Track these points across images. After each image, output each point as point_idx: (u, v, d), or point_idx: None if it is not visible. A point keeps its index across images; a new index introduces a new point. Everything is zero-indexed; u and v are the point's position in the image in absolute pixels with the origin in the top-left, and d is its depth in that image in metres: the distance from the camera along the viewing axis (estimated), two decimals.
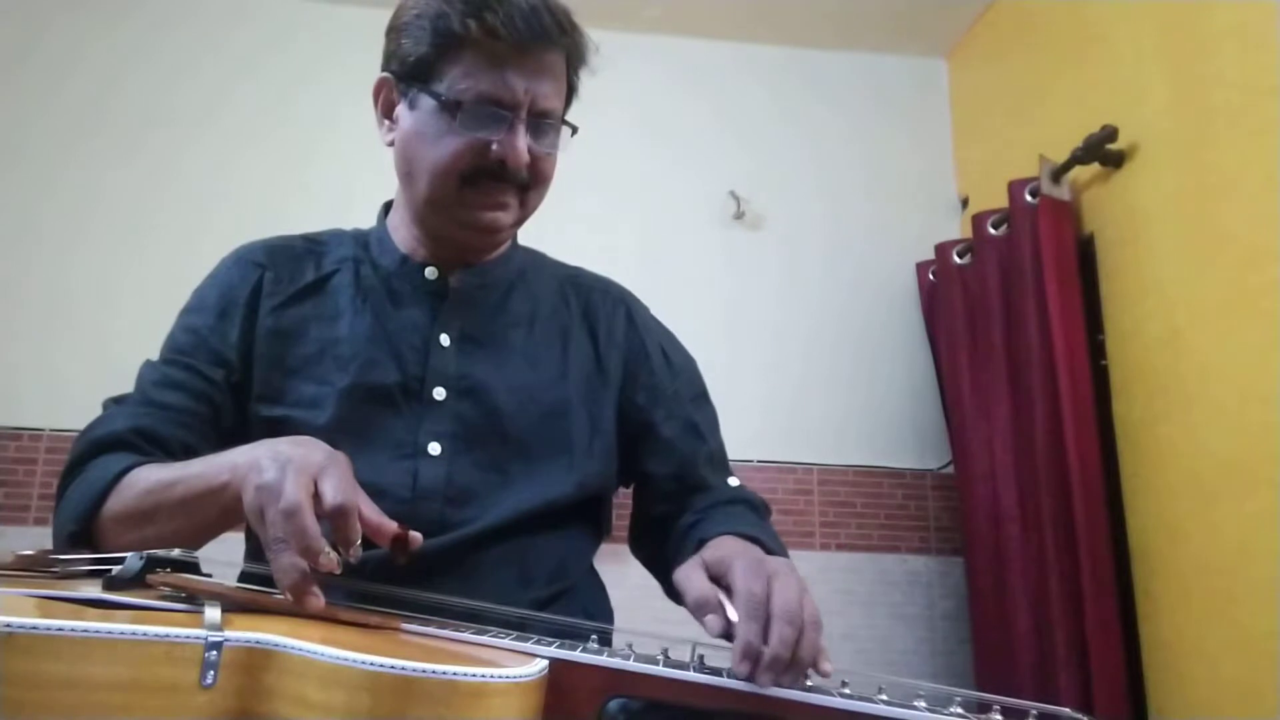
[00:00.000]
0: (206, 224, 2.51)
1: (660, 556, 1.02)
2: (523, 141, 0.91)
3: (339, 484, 0.65)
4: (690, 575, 0.70)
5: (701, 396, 1.12)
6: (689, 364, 1.14)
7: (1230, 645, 1.66)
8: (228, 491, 0.73)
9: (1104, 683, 1.88)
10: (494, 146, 0.91)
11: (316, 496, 0.65)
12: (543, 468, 0.95)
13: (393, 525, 0.69)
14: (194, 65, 2.70)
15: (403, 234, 1.03)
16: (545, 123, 0.93)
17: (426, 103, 0.92)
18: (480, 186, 0.93)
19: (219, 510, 0.75)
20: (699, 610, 0.66)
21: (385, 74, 0.97)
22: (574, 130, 0.98)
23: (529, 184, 0.95)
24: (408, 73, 0.94)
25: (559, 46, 0.93)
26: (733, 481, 1.05)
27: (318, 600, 0.62)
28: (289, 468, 0.65)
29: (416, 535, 0.70)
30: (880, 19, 2.78)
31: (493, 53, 0.89)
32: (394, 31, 0.96)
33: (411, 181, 0.97)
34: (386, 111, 0.98)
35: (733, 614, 0.62)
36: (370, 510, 0.69)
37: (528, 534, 0.92)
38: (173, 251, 2.47)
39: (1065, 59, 2.32)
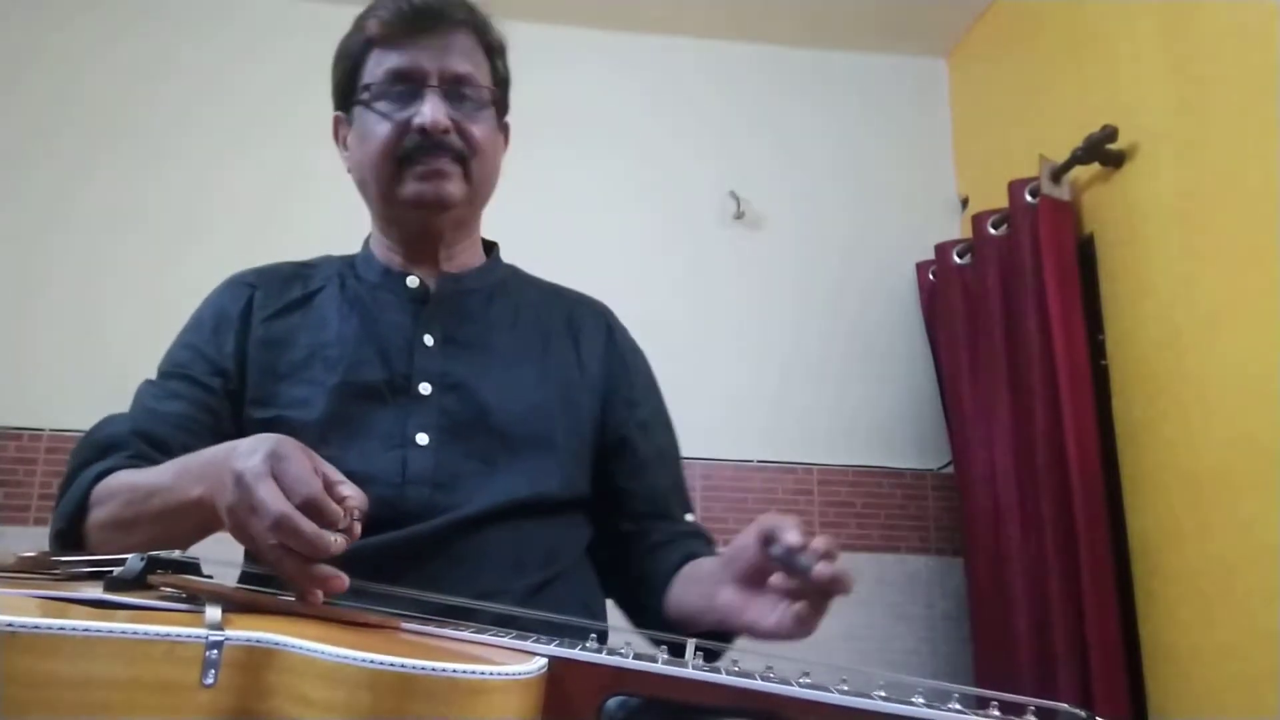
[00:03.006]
0: (206, 226, 2.52)
1: (623, 572, 1.06)
2: (435, 107, 0.96)
3: (296, 475, 0.63)
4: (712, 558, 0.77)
5: (669, 425, 1.15)
6: (657, 390, 1.16)
7: (1230, 645, 1.67)
8: (202, 507, 0.73)
9: (1104, 683, 1.88)
10: (414, 119, 0.96)
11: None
12: (529, 463, 0.97)
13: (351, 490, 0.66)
14: (182, 61, 2.69)
15: (380, 250, 1.07)
16: (463, 90, 0.99)
17: (357, 110, 1.00)
18: (416, 161, 0.97)
19: (193, 524, 0.76)
20: (741, 551, 0.82)
21: (335, 112, 1.05)
22: (496, 99, 1.03)
23: (466, 154, 0.98)
24: (343, 95, 1.03)
25: (460, 23, 0.99)
26: (689, 518, 1.09)
27: (341, 580, 0.62)
28: (243, 483, 0.63)
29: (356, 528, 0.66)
30: (880, 19, 2.79)
31: (395, 40, 0.97)
32: (331, 72, 1.05)
33: (365, 187, 1.03)
34: (344, 144, 1.05)
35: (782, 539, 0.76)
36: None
37: (518, 520, 0.94)
38: (174, 253, 2.48)
39: (1065, 59, 2.32)
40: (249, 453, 0.65)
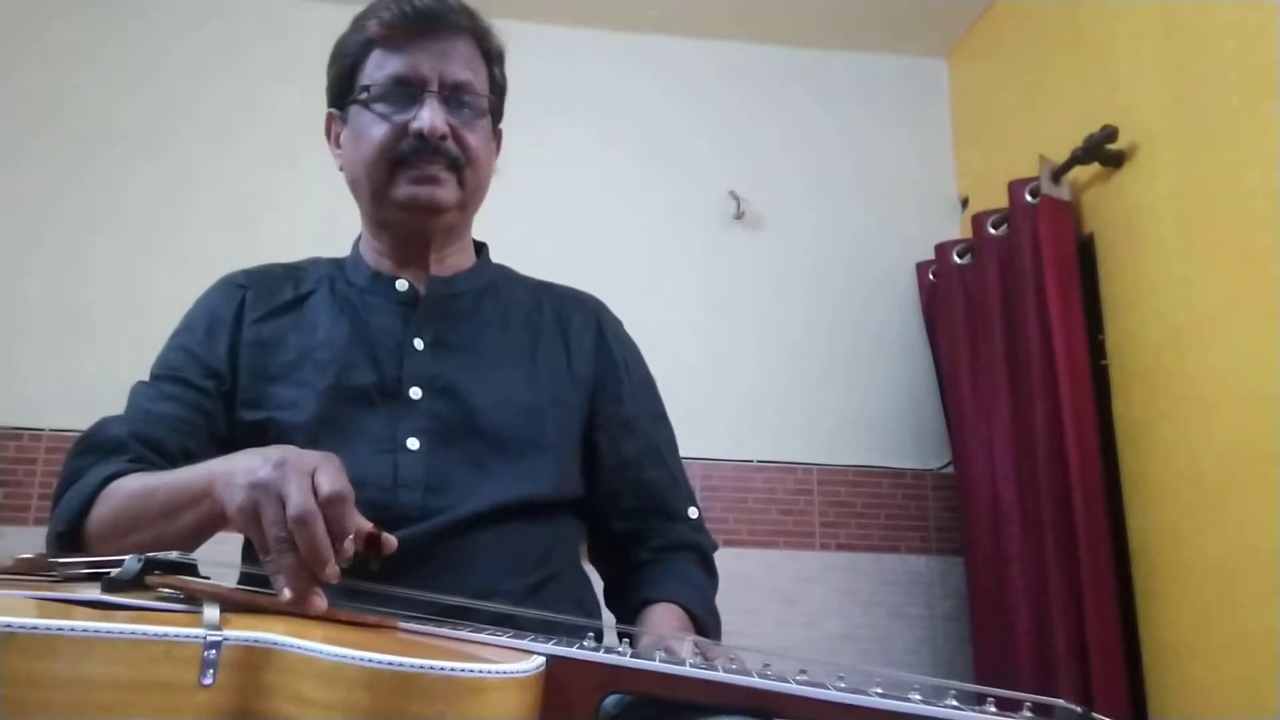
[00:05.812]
0: (199, 224, 2.52)
1: (617, 577, 1.07)
2: (434, 112, 0.95)
3: (335, 476, 0.65)
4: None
5: (661, 417, 1.14)
6: (650, 383, 1.15)
7: (1230, 645, 1.66)
8: (205, 498, 0.73)
9: (1104, 683, 1.88)
10: (412, 123, 0.95)
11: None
12: (520, 464, 0.97)
13: (368, 524, 0.68)
14: (169, 61, 2.68)
15: (370, 253, 1.06)
16: (462, 98, 0.99)
17: (354, 110, 1.00)
18: (411, 164, 0.97)
19: (196, 518, 0.76)
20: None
21: (329, 109, 1.05)
22: (493, 108, 1.03)
23: (461, 161, 0.98)
24: (339, 93, 1.03)
25: (462, 30, 0.99)
26: (692, 513, 1.09)
27: (322, 601, 0.62)
28: (286, 467, 0.65)
29: (390, 539, 0.69)
30: (880, 19, 2.78)
31: (397, 43, 0.97)
32: (327, 70, 1.04)
33: (357, 187, 1.02)
34: (336, 142, 1.05)
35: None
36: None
37: (511, 522, 0.94)
38: (169, 251, 2.48)
39: (1065, 59, 2.32)
40: (301, 450, 0.68)
